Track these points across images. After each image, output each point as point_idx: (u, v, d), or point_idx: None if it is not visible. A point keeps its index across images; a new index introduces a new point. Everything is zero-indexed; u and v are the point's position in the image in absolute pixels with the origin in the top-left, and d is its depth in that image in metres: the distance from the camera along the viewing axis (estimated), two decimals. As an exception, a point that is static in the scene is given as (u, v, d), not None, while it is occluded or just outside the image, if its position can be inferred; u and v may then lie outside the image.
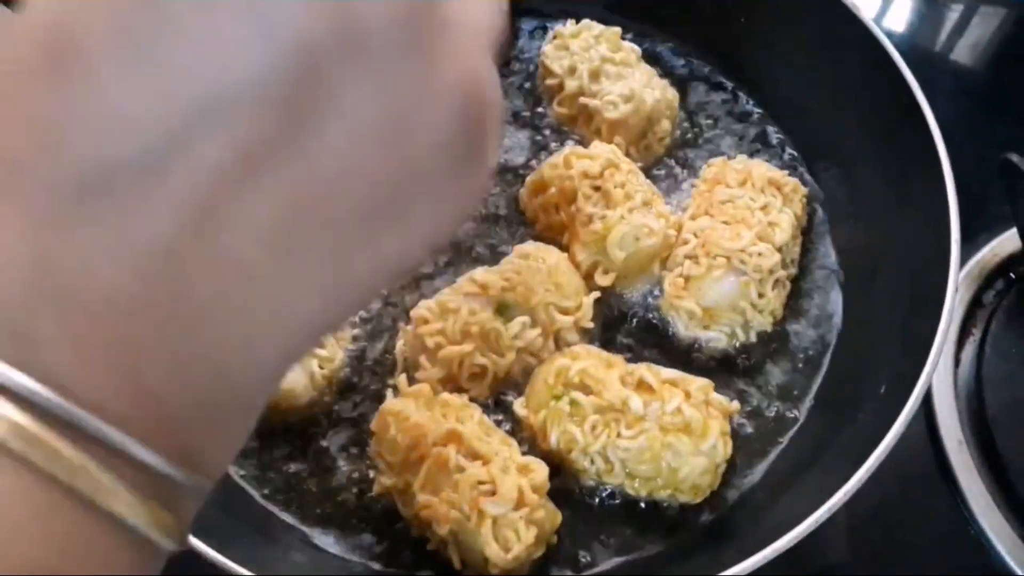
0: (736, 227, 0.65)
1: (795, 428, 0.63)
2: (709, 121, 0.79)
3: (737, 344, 0.65)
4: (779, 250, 0.65)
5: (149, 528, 0.21)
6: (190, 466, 0.22)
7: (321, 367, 0.61)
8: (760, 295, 0.64)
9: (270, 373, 0.24)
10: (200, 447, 0.23)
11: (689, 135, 0.77)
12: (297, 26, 0.20)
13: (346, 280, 0.24)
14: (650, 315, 0.67)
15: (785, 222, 0.66)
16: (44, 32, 0.20)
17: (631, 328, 0.66)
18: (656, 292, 0.67)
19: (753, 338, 0.66)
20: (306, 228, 0.22)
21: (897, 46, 0.67)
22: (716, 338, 0.65)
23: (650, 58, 0.79)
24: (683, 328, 0.66)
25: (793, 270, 0.68)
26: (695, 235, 0.66)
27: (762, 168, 0.70)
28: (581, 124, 0.75)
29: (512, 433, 0.60)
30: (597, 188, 0.66)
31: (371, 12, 0.21)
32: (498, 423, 0.60)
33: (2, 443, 0.19)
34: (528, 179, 0.71)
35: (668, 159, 0.76)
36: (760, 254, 0.64)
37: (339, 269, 0.23)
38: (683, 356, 0.65)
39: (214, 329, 0.22)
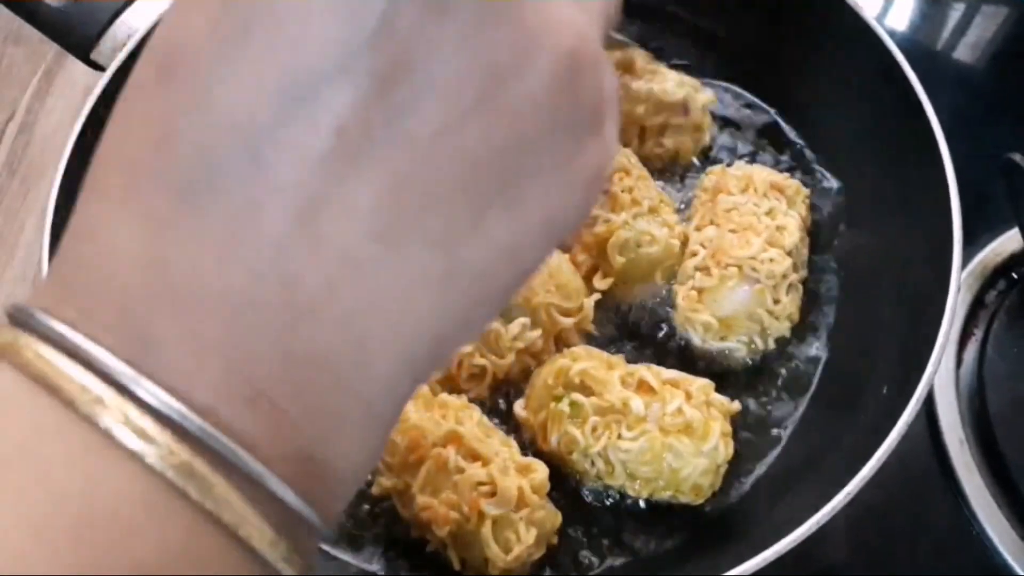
0: (744, 234, 0.64)
1: (796, 429, 0.63)
2: (708, 121, 0.78)
3: (758, 354, 0.65)
4: (789, 254, 0.64)
5: (280, 562, 0.21)
6: (311, 497, 0.22)
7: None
8: (776, 301, 0.64)
9: (392, 382, 0.23)
10: (322, 468, 0.22)
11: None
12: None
13: (458, 271, 0.22)
14: (651, 315, 0.67)
15: (792, 225, 0.66)
16: (156, 48, 0.21)
17: (632, 328, 0.66)
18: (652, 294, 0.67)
19: (772, 345, 0.65)
20: (409, 211, 0.21)
21: (899, 44, 0.67)
22: (735, 348, 0.64)
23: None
24: (700, 341, 0.65)
25: (804, 272, 0.67)
26: (703, 246, 0.65)
27: (763, 173, 0.69)
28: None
29: (512, 434, 0.60)
30: (605, 191, 0.66)
31: None
32: (498, 424, 0.60)
33: (161, 472, 0.19)
34: None
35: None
36: (772, 260, 0.63)
37: (448, 258, 0.22)
38: (683, 356, 0.65)
39: (325, 328, 0.21)
